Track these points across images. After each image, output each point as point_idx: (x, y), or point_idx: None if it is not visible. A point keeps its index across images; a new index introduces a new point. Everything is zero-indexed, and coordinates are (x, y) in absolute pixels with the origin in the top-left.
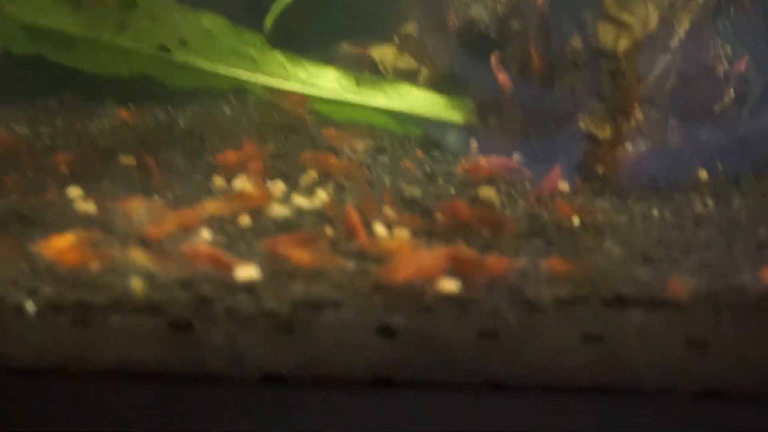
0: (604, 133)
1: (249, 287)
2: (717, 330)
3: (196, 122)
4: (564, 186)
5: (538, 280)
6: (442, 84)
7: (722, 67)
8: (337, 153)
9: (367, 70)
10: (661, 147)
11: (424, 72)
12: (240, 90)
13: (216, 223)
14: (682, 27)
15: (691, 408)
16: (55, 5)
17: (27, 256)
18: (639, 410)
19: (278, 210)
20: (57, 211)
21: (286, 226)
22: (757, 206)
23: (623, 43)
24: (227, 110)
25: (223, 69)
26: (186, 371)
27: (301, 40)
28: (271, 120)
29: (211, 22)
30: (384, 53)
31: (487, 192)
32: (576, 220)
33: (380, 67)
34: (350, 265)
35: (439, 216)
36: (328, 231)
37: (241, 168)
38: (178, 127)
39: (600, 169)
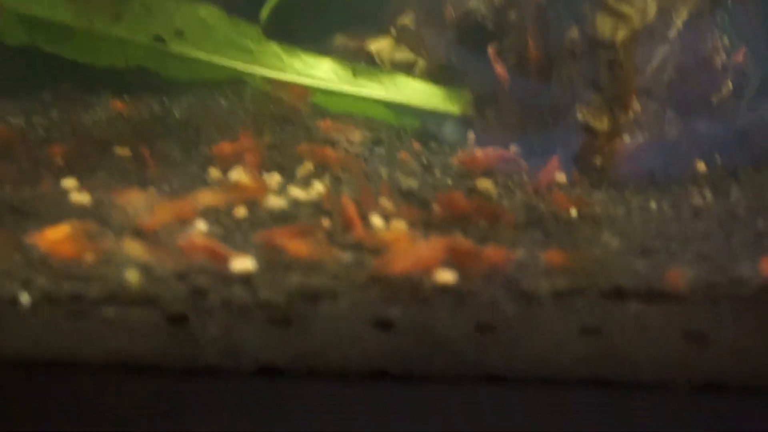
0: (602, 124)
1: (245, 279)
2: (716, 322)
3: (192, 114)
4: (561, 177)
5: (536, 271)
6: (439, 75)
7: (720, 59)
8: (333, 145)
9: (363, 62)
10: (659, 139)
11: (421, 63)
12: (236, 81)
13: (212, 214)
14: (680, 18)
15: (689, 401)
16: None
17: (21, 248)
18: (637, 403)
19: (274, 202)
20: (52, 202)
21: (282, 217)
22: (756, 198)
23: (621, 34)
24: (223, 102)
25: (219, 60)
26: (182, 364)
27: (297, 31)
28: (267, 111)
29: (207, 12)
30: (381, 45)
31: (485, 183)
32: (573, 212)
33: (377, 58)
34: (347, 256)
35: (436, 207)
36: (325, 223)
37: (237, 159)
38: (173, 119)
39: (597, 161)
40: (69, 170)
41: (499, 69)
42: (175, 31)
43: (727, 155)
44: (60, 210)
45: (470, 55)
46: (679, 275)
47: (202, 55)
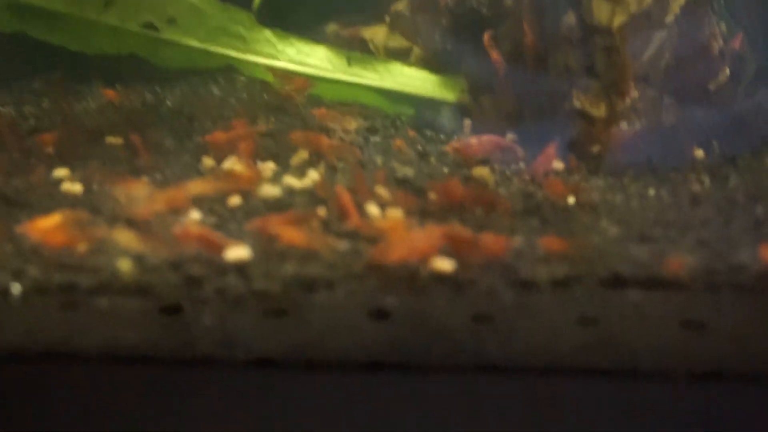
0: (599, 111)
1: (240, 268)
2: (715, 310)
3: (185, 102)
4: (559, 165)
5: (534, 259)
6: (434, 63)
7: (717, 45)
8: (328, 133)
9: (357, 50)
10: (657, 126)
11: (416, 51)
12: (229, 69)
13: (206, 203)
14: (677, 3)
15: (688, 389)
16: None
17: (12, 238)
18: (636, 392)
19: (269, 190)
20: (43, 192)
21: (276, 206)
22: (754, 184)
23: (618, 20)
24: (216, 90)
25: (211, 47)
26: (176, 355)
27: (290, 18)
28: (261, 100)
29: None
30: (375, 32)
31: (481, 171)
32: (571, 200)
33: (371, 46)
34: (342, 245)
35: (432, 195)
36: (320, 211)
37: (230, 148)
38: (166, 108)
39: (595, 148)
40: (60, 159)
41: (495, 56)
42: (167, 18)
43: (724, 142)
44: (51, 199)
45: (465, 42)
46: (679, 262)
47: (194, 43)
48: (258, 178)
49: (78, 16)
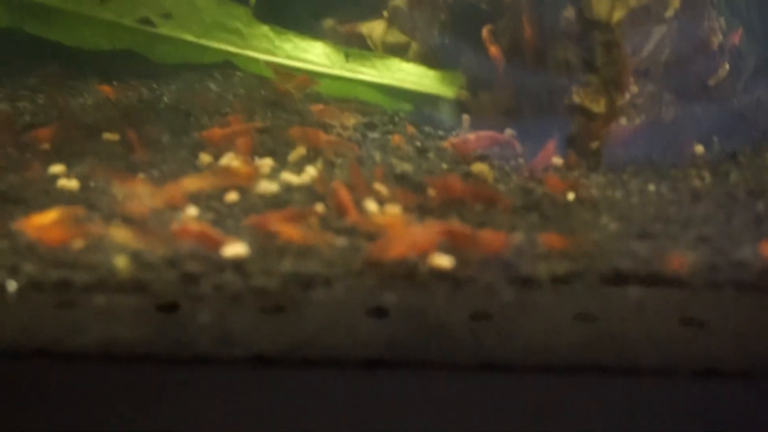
0: (599, 107)
1: (237, 265)
2: (717, 307)
3: (182, 98)
4: (558, 161)
5: (534, 255)
6: (432, 58)
7: (717, 40)
8: (326, 129)
9: (355, 45)
10: (656, 121)
11: (414, 46)
12: (226, 65)
13: (203, 199)
14: None
15: (689, 387)
16: None
17: (8, 234)
18: (636, 390)
19: (266, 186)
20: (39, 188)
21: (274, 203)
22: (755, 180)
23: (618, 14)
24: (213, 86)
25: (208, 42)
26: (173, 352)
27: (288, 14)
28: (258, 96)
29: None
30: (373, 28)
31: (480, 167)
32: (571, 195)
33: (369, 41)
34: (341, 241)
35: (430, 191)
36: (318, 207)
37: (227, 144)
38: (162, 103)
39: (594, 144)
40: (56, 156)
41: (494, 50)
42: (163, 13)
43: (724, 137)
44: (47, 196)
45: (464, 37)
46: (680, 258)
47: (191, 38)
48: (255, 174)
49: (73, 11)
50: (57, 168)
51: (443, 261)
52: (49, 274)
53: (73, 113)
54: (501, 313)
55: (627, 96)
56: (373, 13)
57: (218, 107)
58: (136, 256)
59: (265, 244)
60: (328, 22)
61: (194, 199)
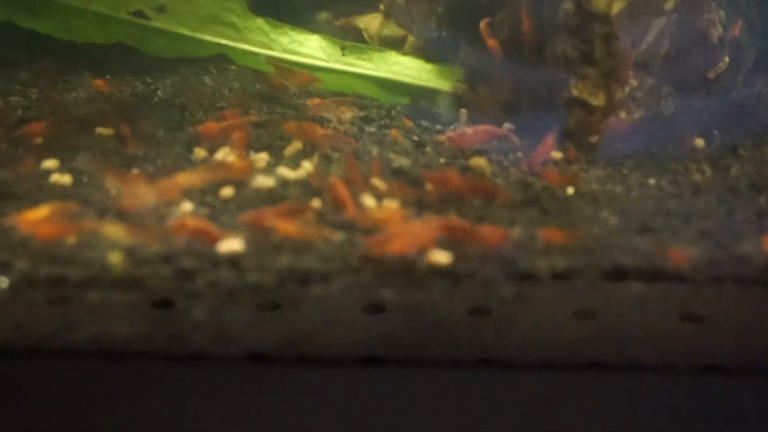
0: (598, 100)
1: (233, 261)
2: (718, 302)
3: (176, 92)
4: (557, 155)
5: (534, 250)
6: (429, 51)
7: (717, 33)
8: (322, 123)
9: (351, 38)
10: (656, 114)
11: (411, 39)
12: (221, 59)
13: (198, 194)
14: None
15: (691, 384)
16: None
17: (0, 230)
18: (638, 385)
19: (262, 181)
20: (31, 183)
21: (270, 197)
22: (756, 173)
23: (617, 7)
24: (208, 80)
25: (203, 36)
26: (168, 349)
27: (283, 7)
28: (254, 89)
29: None
30: (369, 21)
31: (478, 161)
32: (570, 190)
33: (365, 34)
34: (338, 237)
35: (428, 186)
36: (315, 203)
37: (223, 139)
38: (157, 98)
39: (593, 138)
40: (49, 150)
41: (492, 43)
42: (157, 6)
43: (724, 130)
44: (40, 191)
45: (461, 30)
46: (682, 253)
47: (185, 31)
48: (251, 169)
49: (66, 4)
50: (50, 163)
51: (441, 257)
52: (41, 270)
53: (66, 108)
54: (500, 309)
55: (626, 89)
56: (370, 6)
57: (213, 101)
58: (130, 252)
59: (261, 239)
60: (323, 15)
61: (189, 194)
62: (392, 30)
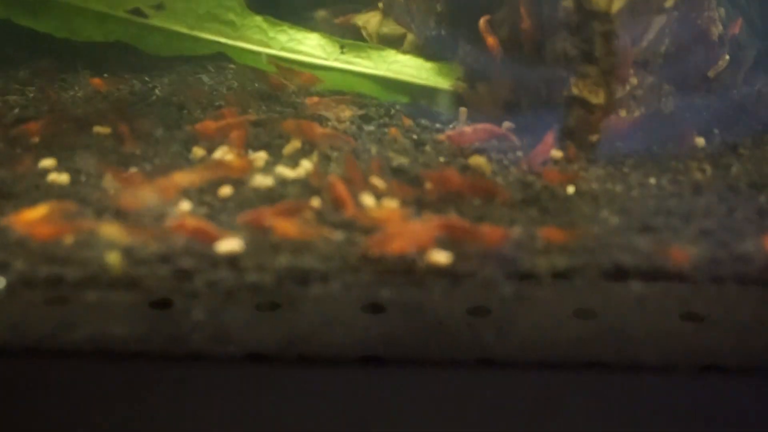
0: (598, 98)
1: (232, 260)
2: (719, 301)
3: (174, 90)
4: (557, 154)
5: (534, 250)
6: (428, 49)
7: (717, 31)
8: (321, 122)
9: (350, 36)
10: (656, 113)
11: (410, 37)
12: (219, 57)
13: (196, 194)
14: None
15: (691, 383)
16: None
17: None
18: (638, 385)
19: (260, 180)
20: (29, 183)
21: (269, 197)
22: (757, 172)
23: (617, 4)
24: (206, 78)
25: (201, 34)
26: (166, 349)
27: (282, 4)
28: (252, 88)
29: None
30: (368, 19)
31: (478, 160)
32: (571, 189)
33: (364, 32)
34: (337, 236)
35: (428, 185)
36: (314, 202)
37: (221, 137)
38: (155, 96)
39: (593, 136)
40: (47, 149)
41: (491, 41)
42: (155, 4)
43: (725, 129)
44: (38, 190)
45: (461, 28)
46: (681, 253)
47: (183, 29)
48: (249, 168)
49: (64, 2)
50: (47, 162)
51: (441, 257)
52: (39, 270)
53: (63, 106)
54: (500, 308)
55: (626, 87)
56: (369, 4)
57: (211, 100)
58: (128, 252)
59: (259, 239)
60: (322, 13)
61: (187, 193)
62: (391, 28)
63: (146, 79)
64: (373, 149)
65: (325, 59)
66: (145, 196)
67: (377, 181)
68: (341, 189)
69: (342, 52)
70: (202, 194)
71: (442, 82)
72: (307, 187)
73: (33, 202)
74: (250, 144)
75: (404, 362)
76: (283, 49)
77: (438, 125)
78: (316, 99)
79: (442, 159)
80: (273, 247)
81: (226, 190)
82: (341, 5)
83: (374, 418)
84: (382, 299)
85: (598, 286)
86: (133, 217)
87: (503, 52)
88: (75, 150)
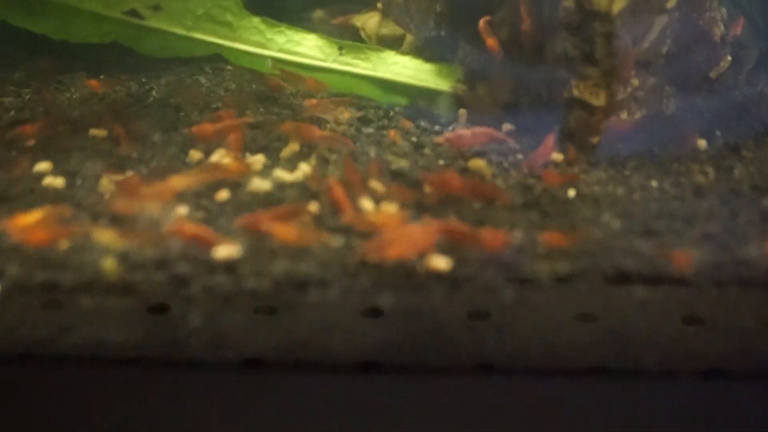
0: (599, 100)
1: (229, 266)
2: (722, 306)
3: (171, 92)
4: (558, 156)
5: (535, 254)
6: (428, 51)
7: (719, 31)
8: (319, 124)
9: (349, 38)
10: (657, 114)
11: (409, 39)
12: (217, 58)
13: (193, 198)
14: None
15: (694, 389)
16: None
17: None
18: (641, 390)
19: (258, 184)
20: (24, 186)
21: (266, 200)
22: (760, 175)
23: (618, 5)
24: (203, 80)
25: (198, 35)
26: (163, 356)
27: (279, 5)
28: (250, 90)
29: None
30: (367, 19)
31: (477, 163)
32: (572, 192)
33: (363, 33)
34: (336, 241)
35: (427, 188)
36: (312, 206)
37: (218, 140)
38: (152, 98)
39: (594, 139)
40: (42, 152)
41: (491, 42)
42: (152, 5)
43: (727, 131)
44: (33, 194)
45: (460, 29)
46: (684, 257)
47: (180, 31)
48: (247, 172)
49: (60, 2)
50: (43, 165)
51: (441, 263)
52: (34, 276)
53: (59, 108)
54: (501, 314)
55: (628, 89)
56: (367, 5)
57: (209, 102)
58: (124, 258)
59: (257, 244)
60: (318, 13)
61: (184, 197)
62: (390, 29)
63: (143, 80)
64: (372, 152)
65: (324, 60)
66: (141, 200)
67: (376, 185)
68: (340, 193)
69: (340, 54)
70: (199, 198)
71: (442, 84)
72: (305, 190)
73: (28, 206)
74: (248, 147)
75: (403, 368)
76: (281, 50)
77: (437, 127)
78: (314, 101)
79: (441, 162)
80: (271, 252)
81: (223, 194)
82: (340, 5)
83: (373, 424)
84: (381, 305)
85: (600, 291)
86: (130, 222)
87: (503, 53)
88: (71, 153)
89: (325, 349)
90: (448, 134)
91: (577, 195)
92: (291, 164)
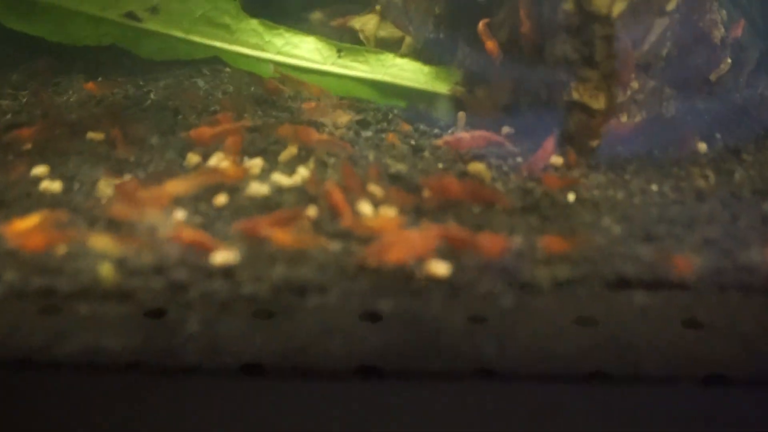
0: (598, 103)
1: (227, 271)
2: (723, 311)
3: (169, 95)
4: (558, 160)
5: (534, 259)
6: (427, 53)
7: (719, 33)
8: (318, 127)
9: (347, 40)
10: (658, 117)
11: (408, 41)
12: (215, 61)
13: (191, 202)
14: None
15: (695, 394)
16: None
17: None
18: (641, 396)
19: (256, 188)
20: (21, 191)
21: (265, 205)
22: (760, 178)
23: (618, 7)
24: (201, 82)
25: (196, 38)
26: (161, 362)
27: (278, 7)
28: (248, 93)
29: None
30: (365, 21)
31: (477, 166)
32: (571, 196)
33: (361, 36)
34: (334, 245)
35: (427, 192)
36: (311, 210)
37: (216, 144)
38: (149, 101)
39: (594, 142)
40: (39, 156)
41: (490, 44)
42: (150, 8)
43: (727, 133)
44: (29, 199)
45: (459, 31)
46: (684, 262)
47: (178, 33)
48: (245, 176)
49: (57, 5)
50: (40, 169)
51: (440, 268)
52: (31, 281)
53: (57, 111)
54: (500, 319)
55: (627, 92)
56: (366, 7)
57: (207, 105)
58: (121, 263)
59: (255, 249)
60: (316, 15)
61: (182, 201)
62: (389, 31)
63: (141, 83)
64: (371, 155)
65: (322, 63)
66: (138, 204)
67: (375, 189)
68: (338, 197)
69: (339, 56)
70: (196, 202)
71: (441, 86)
72: (303, 194)
73: (25, 210)
74: (246, 150)
75: (403, 373)
76: (279, 53)
77: (437, 130)
78: (312, 104)
79: (440, 165)
80: (269, 257)
81: (221, 198)
82: (338, 7)
83: (372, 430)
84: (380, 310)
85: (600, 296)
86: (127, 227)
87: (502, 55)
88: (68, 156)
89: (323, 355)
90: (447, 137)
91: (577, 199)
92: (289, 168)
